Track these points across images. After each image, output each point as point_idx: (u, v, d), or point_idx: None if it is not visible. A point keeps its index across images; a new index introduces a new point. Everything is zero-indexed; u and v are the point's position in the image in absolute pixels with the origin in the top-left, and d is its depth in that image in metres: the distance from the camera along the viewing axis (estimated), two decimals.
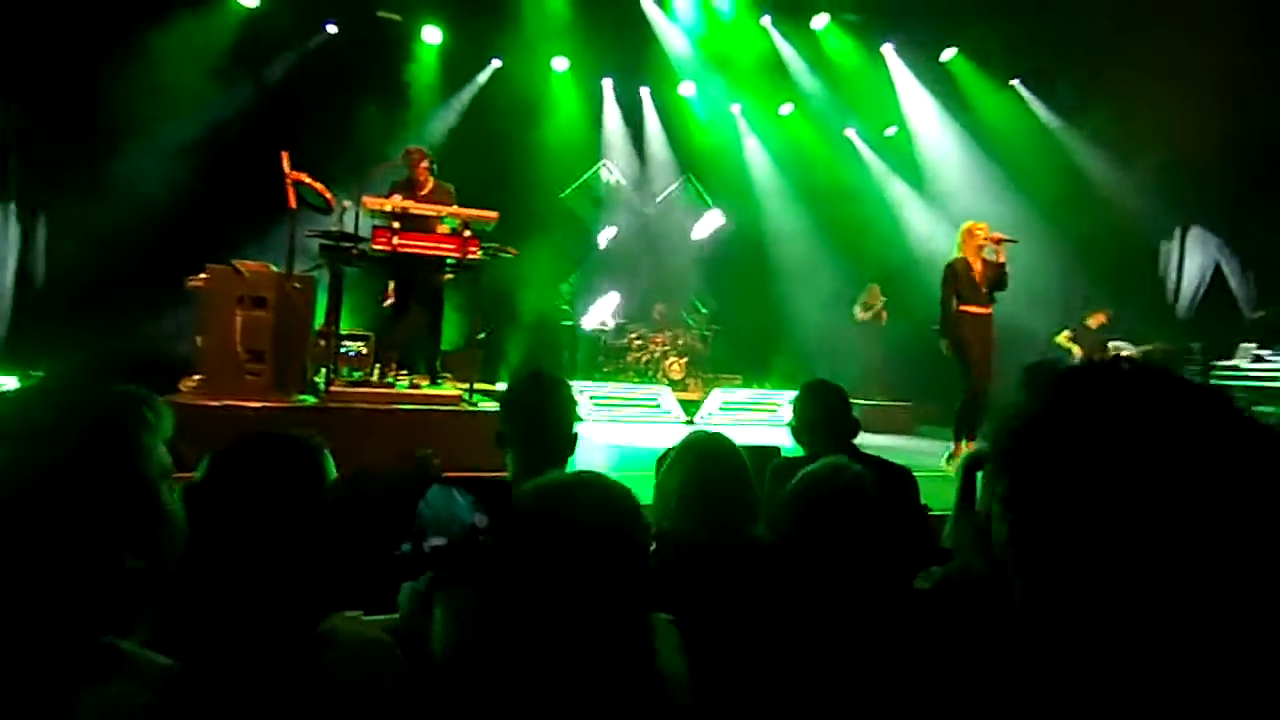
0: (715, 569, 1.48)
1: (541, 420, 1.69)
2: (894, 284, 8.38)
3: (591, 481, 0.81)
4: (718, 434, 1.81)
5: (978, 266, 4.88)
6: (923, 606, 1.61)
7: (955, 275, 4.89)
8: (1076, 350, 7.19)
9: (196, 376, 4.17)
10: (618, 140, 8.86)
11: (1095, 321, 7.28)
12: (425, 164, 4.94)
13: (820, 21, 8.32)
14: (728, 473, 1.72)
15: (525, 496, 0.77)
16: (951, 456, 4.92)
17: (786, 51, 8.62)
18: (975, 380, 4.84)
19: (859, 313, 8.45)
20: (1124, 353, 6.28)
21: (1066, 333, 7.36)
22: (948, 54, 8.56)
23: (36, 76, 6.14)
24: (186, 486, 1.13)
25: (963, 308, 4.87)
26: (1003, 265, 4.95)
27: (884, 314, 8.36)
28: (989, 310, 4.91)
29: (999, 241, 4.94)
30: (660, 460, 2.68)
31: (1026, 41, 7.54)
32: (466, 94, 8.06)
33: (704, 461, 1.71)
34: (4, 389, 3.79)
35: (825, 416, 2.34)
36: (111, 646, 0.70)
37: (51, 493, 0.68)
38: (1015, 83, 8.59)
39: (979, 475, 1.77)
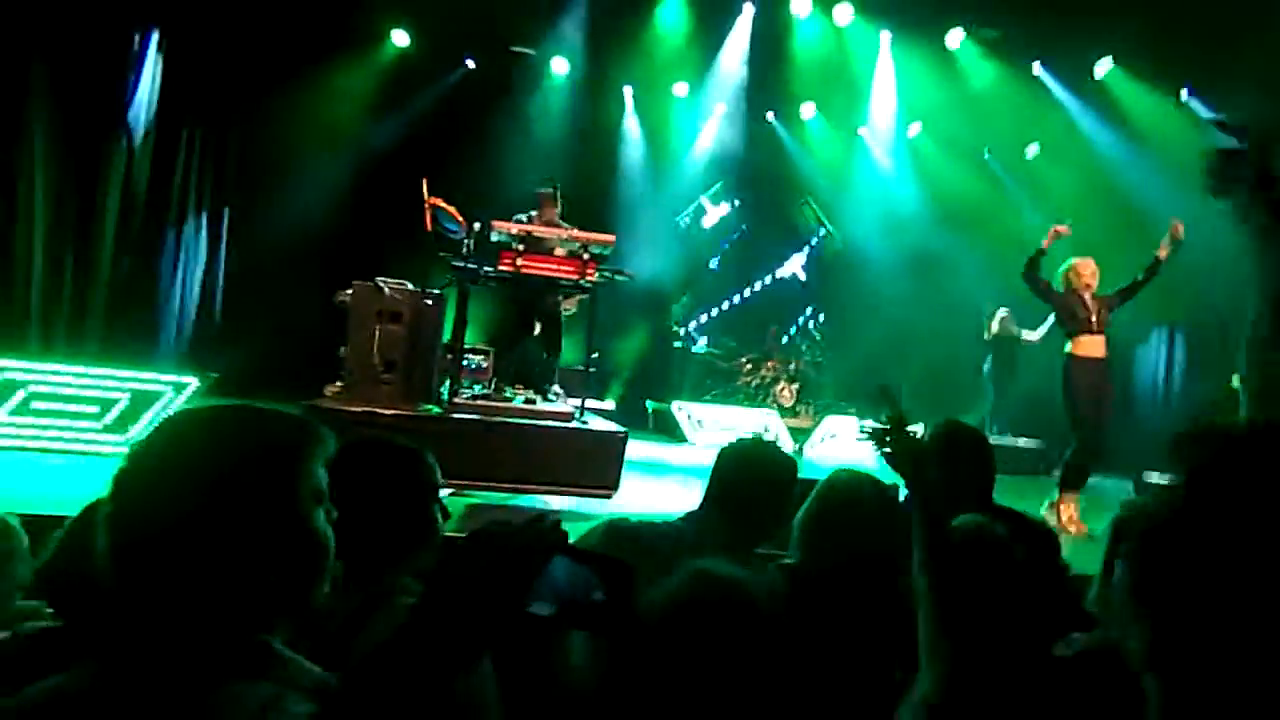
0: (856, 614, 1.45)
1: (739, 493, 1.78)
2: (1026, 313, 7.78)
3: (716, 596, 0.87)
4: (867, 475, 1.77)
5: (1087, 298, 4.66)
6: (1061, 675, 1.48)
7: (1059, 300, 4.73)
8: None
9: (339, 384, 4.59)
10: (734, 164, 8.86)
11: None
12: (554, 210, 5.18)
13: (955, 39, 7.96)
14: (874, 519, 1.68)
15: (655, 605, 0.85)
16: (1051, 506, 4.60)
17: (915, 70, 8.30)
18: (1086, 434, 4.60)
19: (989, 331, 7.93)
20: None
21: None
22: (1103, 67, 7.90)
23: (222, 108, 7.04)
24: None
25: (1075, 350, 4.66)
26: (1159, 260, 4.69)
27: (1027, 333, 7.74)
28: (1104, 354, 4.66)
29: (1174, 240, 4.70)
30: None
31: (1191, 48, 6.82)
32: (590, 122, 8.36)
33: (853, 508, 1.68)
34: (187, 406, 4.34)
35: (960, 467, 2.15)
36: (265, 645, 0.76)
37: (219, 507, 0.76)
38: (1184, 94, 7.79)
39: None
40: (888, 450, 1.32)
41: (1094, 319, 4.63)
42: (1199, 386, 8.72)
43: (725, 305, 8.74)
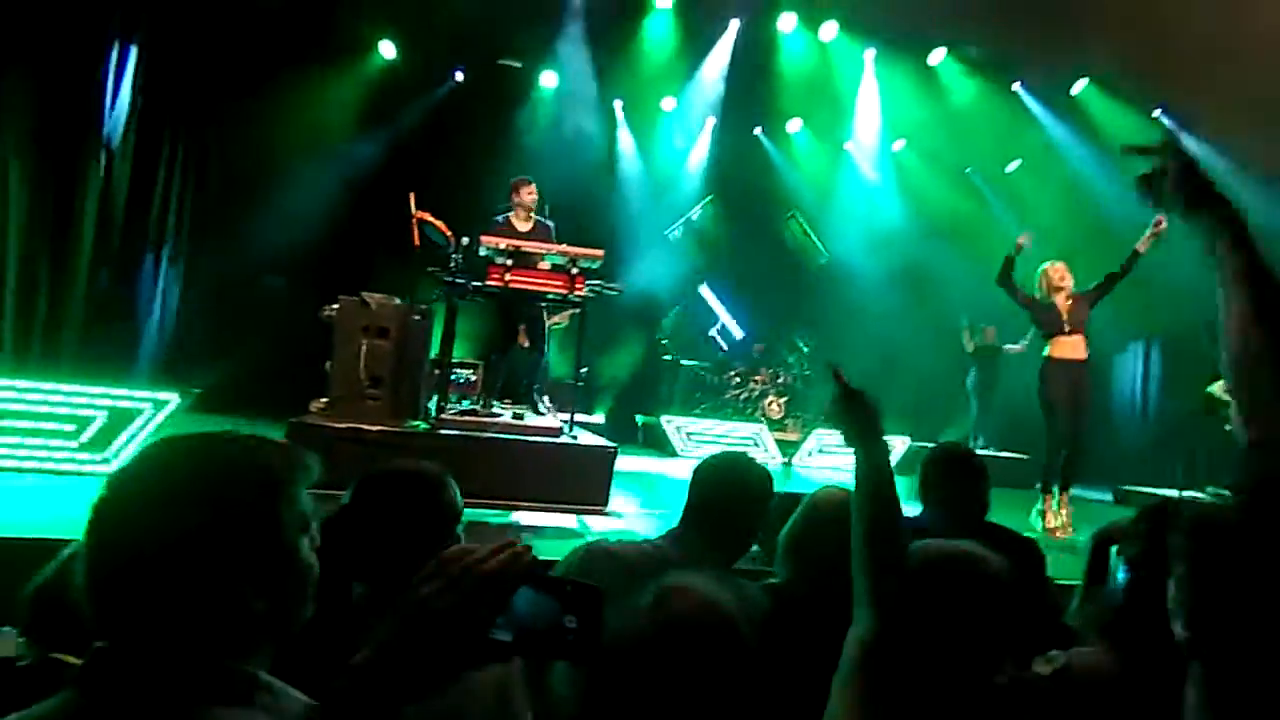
0: (841, 634, 1.44)
1: (716, 508, 1.77)
2: (1010, 327, 7.88)
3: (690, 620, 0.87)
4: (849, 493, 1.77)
5: (1059, 300, 4.77)
6: (1040, 695, 1.47)
7: (1034, 305, 4.84)
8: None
9: (324, 399, 4.51)
10: (722, 178, 8.91)
11: None
12: (530, 190, 5.08)
13: (937, 56, 8.09)
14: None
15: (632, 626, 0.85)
16: (1041, 513, 4.69)
17: (899, 86, 8.42)
18: (1062, 438, 4.71)
19: (968, 343, 8.02)
20: None
21: (1222, 384, 6.66)
22: (1079, 85, 8.08)
23: (204, 119, 6.95)
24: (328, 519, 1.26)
25: (1052, 352, 4.76)
26: (1136, 254, 4.71)
27: (1010, 346, 7.81)
28: (1083, 356, 4.74)
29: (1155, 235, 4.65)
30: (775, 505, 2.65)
31: (1162, 67, 7.00)
32: (580, 135, 8.35)
33: (839, 526, 1.66)
34: (169, 423, 4.23)
35: (959, 493, 2.21)
36: (251, 674, 0.76)
37: (201, 536, 0.75)
38: (1158, 114, 8.01)
39: (1113, 550, 1.62)
40: (844, 413, 1.30)
41: (1066, 320, 4.73)
42: (1176, 399, 8.88)
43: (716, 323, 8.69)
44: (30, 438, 4.07)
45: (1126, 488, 7.22)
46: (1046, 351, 4.80)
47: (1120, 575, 1.29)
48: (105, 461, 4.11)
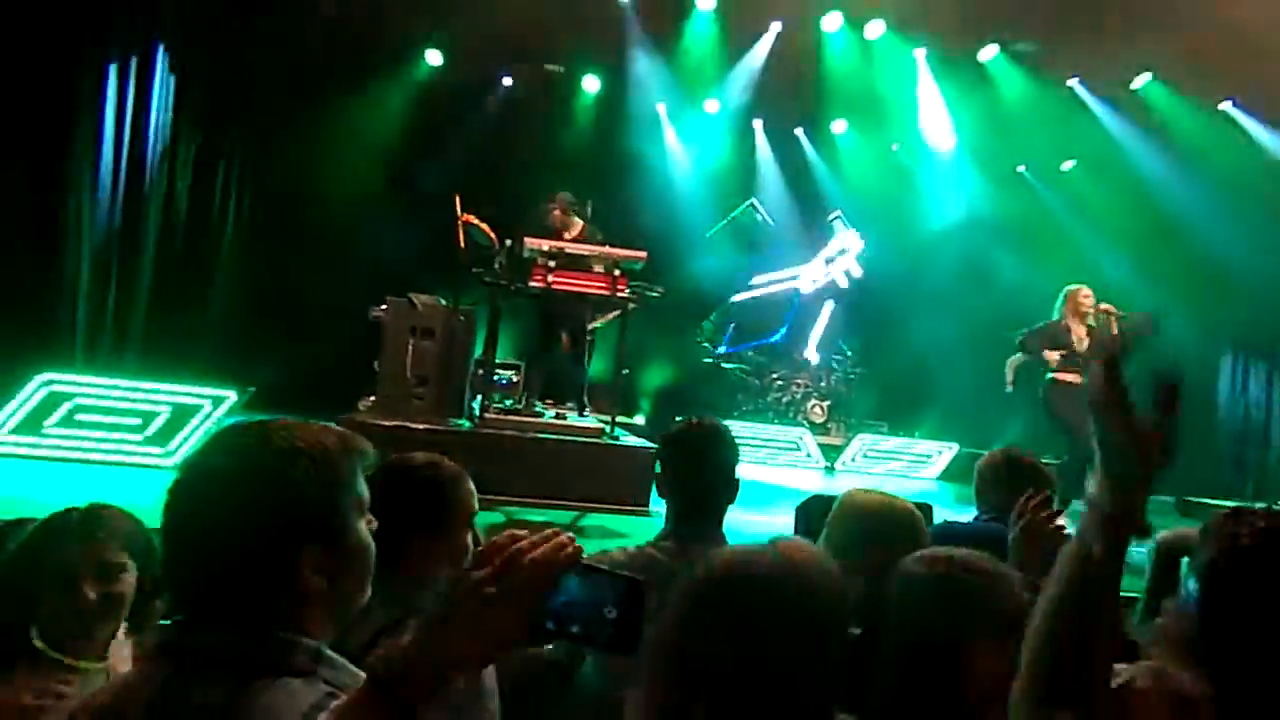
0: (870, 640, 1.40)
1: (698, 470, 1.75)
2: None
3: (788, 571, 0.84)
4: (889, 498, 1.70)
5: (1080, 332, 4.61)
6: (1106, 712, 1.41)
7: (1052, 334, 4.66)
8: None
9: (372, 397, 4.63)
10: (768, 180, 8.84)
11: None
12: (558, 212, 5.15)
13: (988, 53, 7.87)
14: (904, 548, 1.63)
15: (707, 576, 0.82)
16: None
17: (949, 85, 8.21)
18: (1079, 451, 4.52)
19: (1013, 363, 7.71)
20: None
21: None
22: (1140, 80, 7.76)
23: (260, 127, 7.20)
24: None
25: (1058, 375, 4.61)
26: (1118, 337, 4.62)
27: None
28: (1082, 381, 4.54)
29: (1109, 314, 4.63)
30: (802, 509, 2.61)
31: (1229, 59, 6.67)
32: (623, 138, 8.38)
33: (869, 529, 1.60)
34: (226, 419, 4.39)
35: (1020, 491, 2.13)
36: (316, 649, 0.80)
37: (267, 517, 0.80)
38: (1227, 105, 7.63)
39: (1183, 562, 1.54)
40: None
41: (1081, 354, 4.59)
42: (1251, 410, 8.45)
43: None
44: (100, 431, 4.28)
45: (1189, 499, 6.88)
46: (1050, 375, 4.65)
47: (1191, 586, 1.22)
48: (168, 454, 4.30)
